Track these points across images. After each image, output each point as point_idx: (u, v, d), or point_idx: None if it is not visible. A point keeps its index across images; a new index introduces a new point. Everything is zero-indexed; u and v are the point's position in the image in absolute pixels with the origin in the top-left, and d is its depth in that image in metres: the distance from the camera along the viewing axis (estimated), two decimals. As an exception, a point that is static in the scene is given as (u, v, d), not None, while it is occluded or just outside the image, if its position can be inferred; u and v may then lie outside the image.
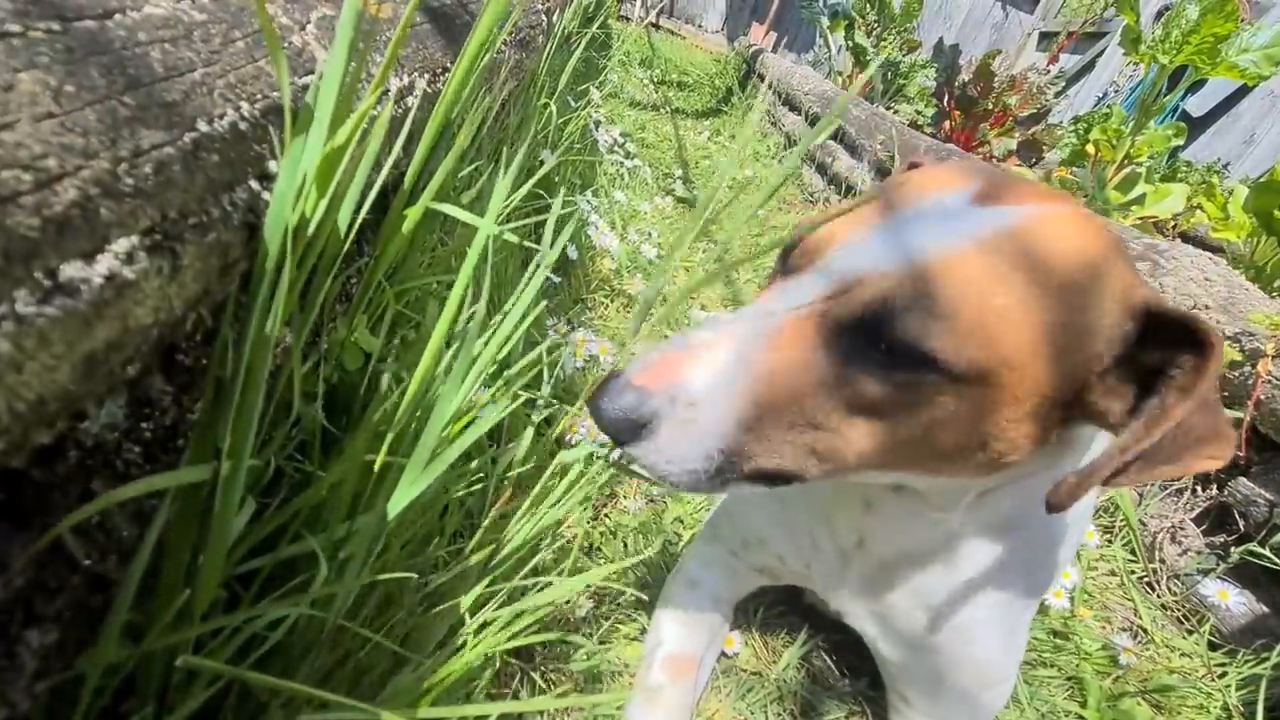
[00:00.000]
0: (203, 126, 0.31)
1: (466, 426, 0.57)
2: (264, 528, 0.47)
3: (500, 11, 0.48)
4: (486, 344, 0.55)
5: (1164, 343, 0.45)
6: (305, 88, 0.40)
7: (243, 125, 0.33)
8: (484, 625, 0.62)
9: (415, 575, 0.54)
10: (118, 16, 0.29)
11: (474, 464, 0.73)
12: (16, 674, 0.30)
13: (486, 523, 0.63)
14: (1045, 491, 0.48)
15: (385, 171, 0.46)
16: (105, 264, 0.24)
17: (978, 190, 0.48)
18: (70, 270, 0.23)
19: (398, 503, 0.40)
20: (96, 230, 0.24)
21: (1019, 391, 0.45)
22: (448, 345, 0.69)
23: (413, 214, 0.52)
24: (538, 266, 0.57)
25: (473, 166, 0.77)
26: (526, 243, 0.62)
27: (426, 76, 0.61)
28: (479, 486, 0.77)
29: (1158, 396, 0.45)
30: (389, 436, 0.44)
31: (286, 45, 0.42)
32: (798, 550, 0.82)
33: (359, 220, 0.44)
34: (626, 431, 0.46)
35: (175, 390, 0.38)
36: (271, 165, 0.35)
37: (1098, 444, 0.56)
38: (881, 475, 0.55)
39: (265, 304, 0.37)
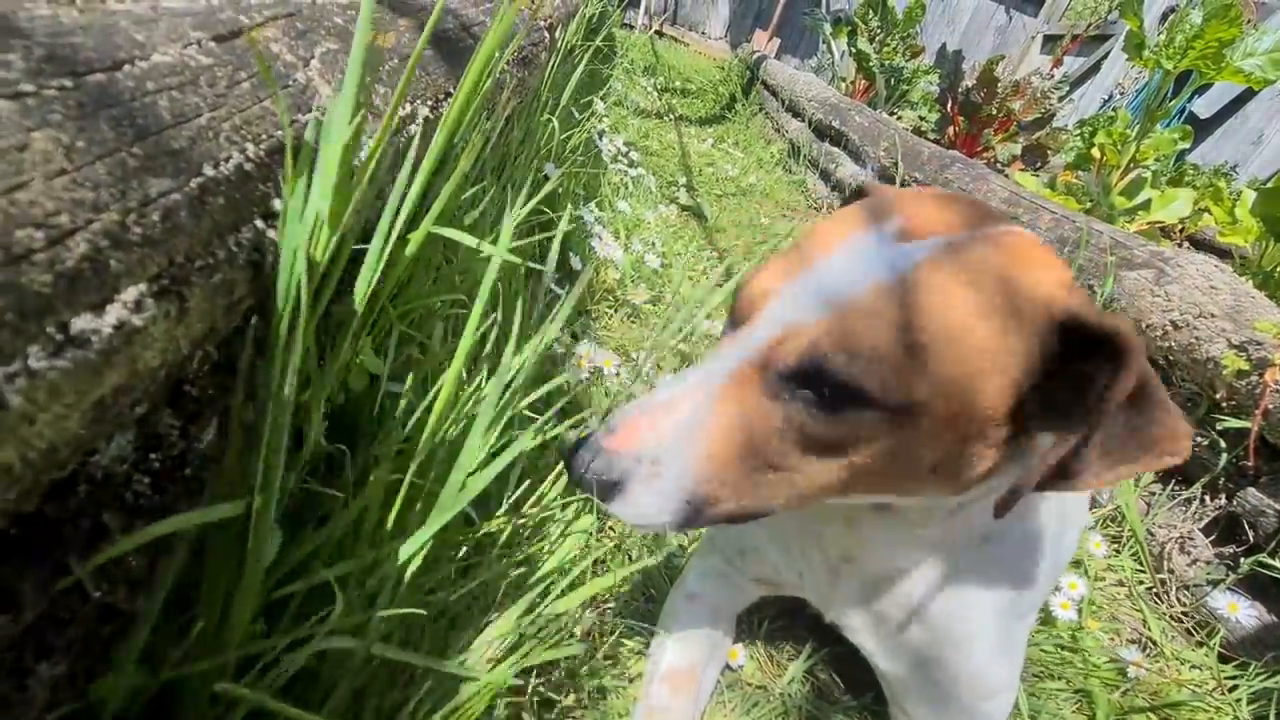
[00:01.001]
0: (209, 171, 0.31)
1: (496, 454, 0.57)
2: (293, 555, 0.47)
3: (499, 42, 0.49)
4: (511, 377, 0.55)
5: (1090, 350, 0.48)
6: (311, 123, 0.41)
7: (248, 166, 0.34)
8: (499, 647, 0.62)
9: (435, 613, 0.54)
10: (126, 67, 0.30)
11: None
12: (27, 706, 0.31)
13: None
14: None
15: (392, 199, 0.47)
16: (114, 314, 0.25)
17: (899, 225, 0.51)
18: (81, 323, 0.24)
19: (424, 535, 0.41)
20: (106, 282, 0.25)
21: (955, 417, 0.48)
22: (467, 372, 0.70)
23: (415, 238, 0.53)
24: (549, 290, 0.57)
25: (477, 187, 0.78)
26: (531, 256, 0.63)
27: (430, 103, 0.62)
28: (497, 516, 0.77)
29: (1084, 404, 0.47)
30: (412, 467, 0.45)
31: (290, 83, 0.42)
32: (790, 562, 0.83)
33: (343, 252, 0.45)
34: (601, 491, 0.51)
35: (183, 423, 0.39)
36: (276, 204, 0.36)
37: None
38: (852, 499, 0.58)
39: (286, 343, 0.38)
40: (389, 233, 0.46)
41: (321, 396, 0.45)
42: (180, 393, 0.42)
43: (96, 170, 0.25)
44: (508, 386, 0.56)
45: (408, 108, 0.57)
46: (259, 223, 0.35)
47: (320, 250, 0.35)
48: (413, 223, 0.58)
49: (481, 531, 0.70)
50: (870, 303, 0.47)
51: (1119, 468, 0.48)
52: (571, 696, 0.85)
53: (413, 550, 0.43)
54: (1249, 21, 2.40)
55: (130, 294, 0.26)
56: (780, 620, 1.05)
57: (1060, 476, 0.48)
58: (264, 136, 0.36)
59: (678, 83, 5.56)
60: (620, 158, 2.77)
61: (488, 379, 0.53)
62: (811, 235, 0.56)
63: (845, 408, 0.48)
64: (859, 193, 0.66)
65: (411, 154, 0.47)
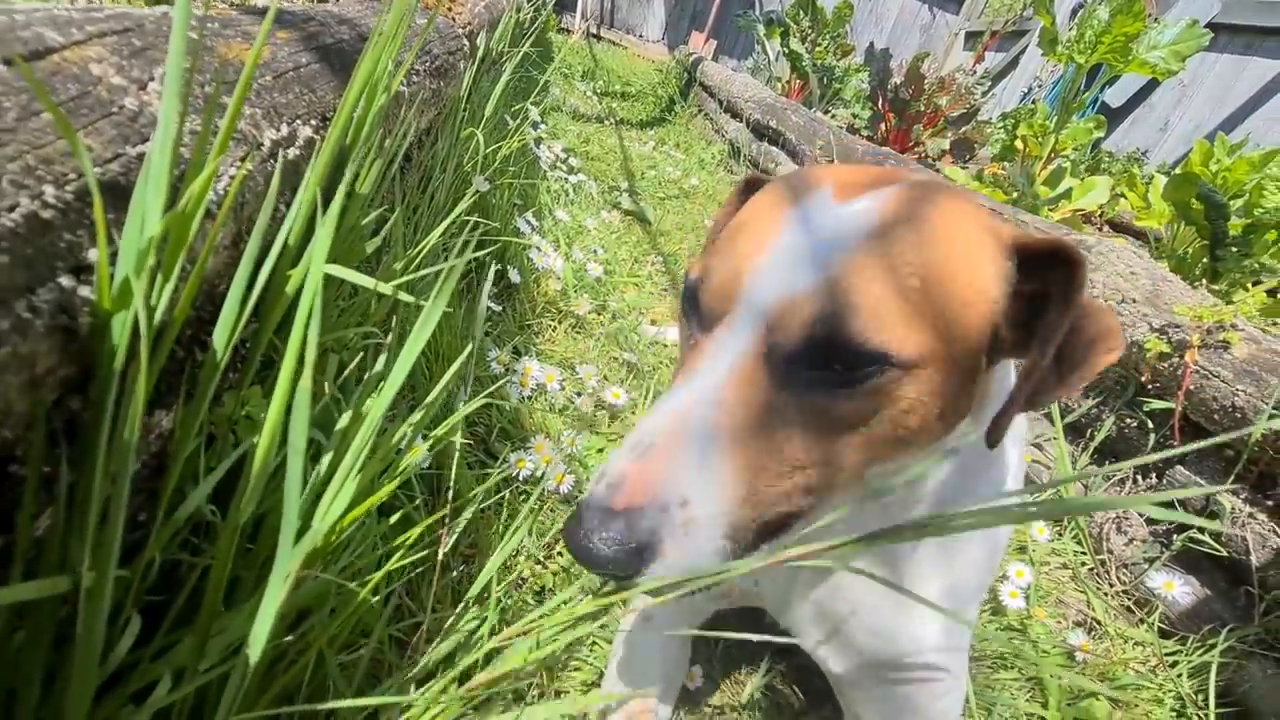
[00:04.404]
0: (-19, 224, 0.26)
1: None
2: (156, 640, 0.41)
3: (381, 58, 0.45)
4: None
5: (1038, 269, 0.50)
6: (141, 157, 0.36)
7: (46, 214, 0.29)
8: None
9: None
10: None
11: (412, 532, 0.67)
12: None
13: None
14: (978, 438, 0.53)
15: (255, 232, 0.41)
16: None
17: (833, 188, 0.50)
18: None
19: (263, 618, 0.35)
20: None
21: (957, 356, 0.48)
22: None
23: (296, 274, 0.48)
24: (487, 309, 0.53)
25: (381, 209, 0.73)
26: (465, 273, 0.58)
27: (313, 123, 0.56)
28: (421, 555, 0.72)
29: (1045, 316, 0.49)
30: (243, 521, 0.39)
31: (118, 109, 0.37)
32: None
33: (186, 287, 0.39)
34: (629, 561, 0.41)
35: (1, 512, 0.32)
36: (91, 254, 0.31)
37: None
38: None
39: (115, 406, 0.32)
40: (253, 272, 0.40)
41: (182, 454, 0.39)
42: (3, 475, 0.36)
43: None
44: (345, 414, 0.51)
45: (284, 129, 0.51)
46: (65, 280, 0.29)
47: (150, 300, 0.30)
48: (298, 255, 0.53)
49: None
50: (860, 256, 0.45)
51: (1076, 373, 0.49)
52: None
53: (265, 609, 0.37)
54: (1149, 15, 2.53)
55: None
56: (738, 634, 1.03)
57: (1034, 394, 0.49)
58: (72, 176, 0.31)
59: (617, 86, 5.54)
60: (559, 164, 2.72)
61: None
62: (746, 220, 0.53)
63: (862, 376, 0.45)
64: (749, 184, 0.65)
65: (277, 181, 0.42)
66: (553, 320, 1.74)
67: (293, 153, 0.51)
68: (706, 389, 0.45)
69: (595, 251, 2.14)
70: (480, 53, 1.41)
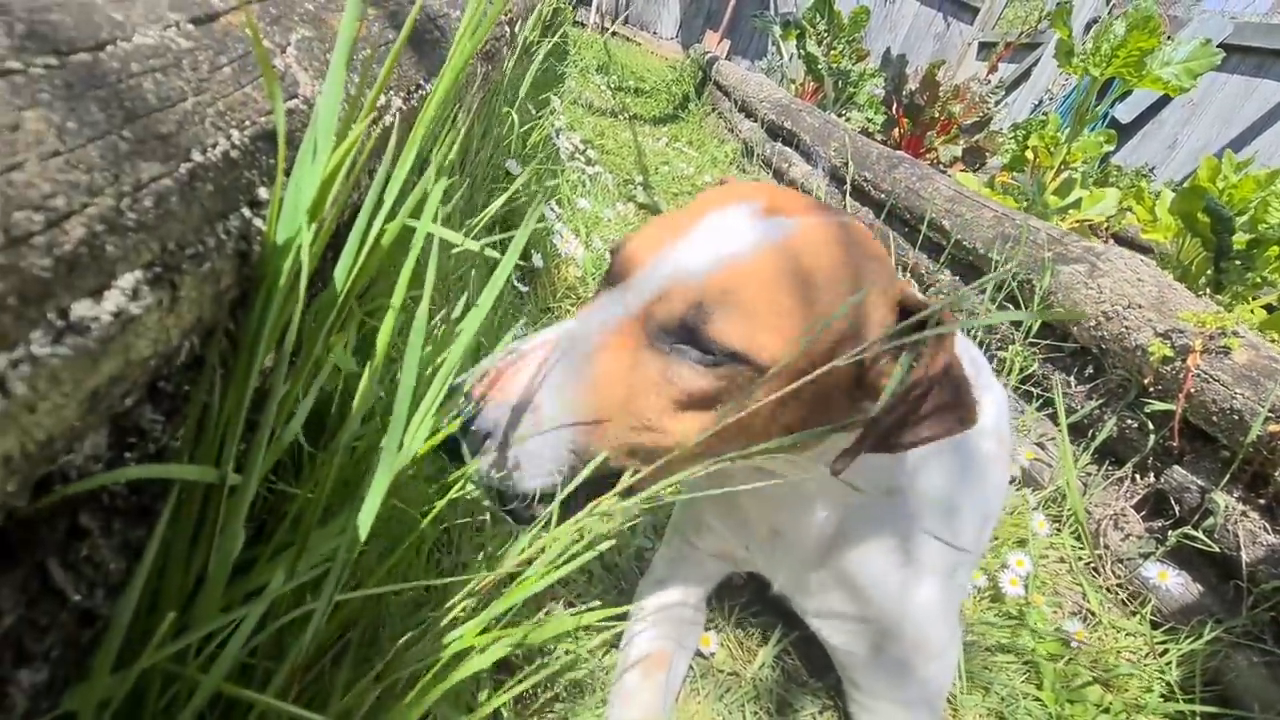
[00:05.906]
0: (197, 156, 0.30)
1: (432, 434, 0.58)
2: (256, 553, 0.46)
3: (481, 35, 0.49)
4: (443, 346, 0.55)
5: (916, 329, 0.53)
6: (290, 112, 0.40)
7: (234, 153, 0.33)
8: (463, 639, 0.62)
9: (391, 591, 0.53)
10: (110, 48, 0.29)
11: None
12: (8, 715, 0.30)
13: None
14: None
15: (373, 189, 0.46)
16: (113, 301, 0.24)
17: (763, 205, 0.55)
18: (80, 309, 0.23)
19: (366, 514, 0.40)
20: (104, 267, 0.24)
21: (816, 381, 0.51)
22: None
23: (391, 229, 0.52)
24: (512, 287, 0.57)
25: (450, 180, 0.77)
26: (492, 252, 0.62)
27: (402, 94, 0.61)
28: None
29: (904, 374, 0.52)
30: (345, 439, 0.44)
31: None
32: (737, 536, 0.86)
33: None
34: (474, 443, 0.48)
35: (164, 418, 0.37)
36: (262, 192, 0.35)
37: None
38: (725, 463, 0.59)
39: (274, 330, 0.37)
40: (368, 225, 0.45)
41: (295, 393, 0.44)
42: (157, 388, 0.40)
43: (89, 152, 0.24)
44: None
45: (383, 98, 0.56)
46: (246, 211, 0.34)
47: (308, 241, 0.35)
48: (390, 215, 0.57)
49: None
50: (748, 267, 0.51)
51: (930, 430, 0.53)
52: (549, 690, 0.85)
53: (345, 538, 0.42)
54: (1163, 34, 2.58)
55: (127, 280, 0.25)
56: (751, 606, 1.08)
57: (885, 438, 0.53)
58: (247, 123, 0.35)
59: (631, 82, 5.57)
60: (578, 155, 2.77)
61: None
62: (683, 210, 0.59)
63: (722, 362, 0.50)
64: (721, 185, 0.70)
65: (393, 142, 0.47)
66: (572, 305, 1.79)
67: (387, 120, 0.56)
68: (587, 327, 0.52)
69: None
70: (520, 41, 1.46)
